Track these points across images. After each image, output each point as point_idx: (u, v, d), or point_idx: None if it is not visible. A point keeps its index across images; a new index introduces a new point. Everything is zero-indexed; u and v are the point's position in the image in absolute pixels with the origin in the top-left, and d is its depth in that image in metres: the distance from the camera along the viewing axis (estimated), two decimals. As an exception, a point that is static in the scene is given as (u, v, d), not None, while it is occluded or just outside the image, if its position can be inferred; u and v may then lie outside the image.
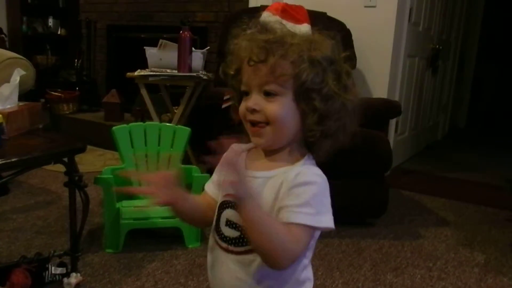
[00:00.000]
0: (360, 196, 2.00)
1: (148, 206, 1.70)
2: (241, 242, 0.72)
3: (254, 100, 0.70)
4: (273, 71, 0.68)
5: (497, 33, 4.99)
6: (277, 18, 2.19)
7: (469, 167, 3.35)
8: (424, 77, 3.38)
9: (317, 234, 0.74)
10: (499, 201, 2.52)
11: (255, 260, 0.71)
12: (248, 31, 0.73)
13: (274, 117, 0.69)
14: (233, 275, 0.74)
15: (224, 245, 0.75)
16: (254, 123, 0.71)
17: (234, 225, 0.73)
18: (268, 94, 0.69)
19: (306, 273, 0.76)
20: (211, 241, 0.79)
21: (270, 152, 0.74)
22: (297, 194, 0.67)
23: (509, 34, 4.90)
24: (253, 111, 0.70)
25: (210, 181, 0.84)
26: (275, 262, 0.67)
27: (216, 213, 0.78)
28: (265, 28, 0.72)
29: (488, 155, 3.84)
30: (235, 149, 0.79)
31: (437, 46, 3.47)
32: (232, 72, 0.74)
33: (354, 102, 0.72)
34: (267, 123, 0.70)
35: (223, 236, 0.75)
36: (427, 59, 3.37)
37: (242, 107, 0.72)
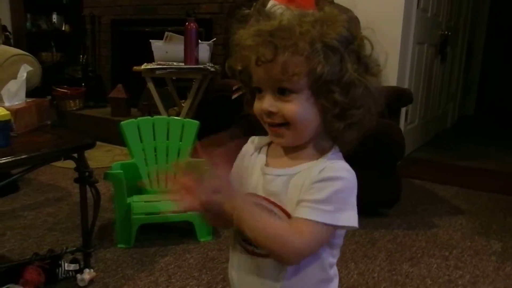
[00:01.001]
0: (372, 186, 1.97)
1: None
2: None
3: (269, 102, 0.65)
4: (285, 69, 0.62)
5: (504, 21, 4.91)
6: (283, 7, 2.16)
7: (479, 155, 3.30)
8: (433, 65, 3.33)
9: (342, 232, 0.71)
10: (513, 189, 2.48)
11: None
12: (251, 20, 0.67)
13: (292, 117, 0.64)
14: (261, 279, 0.70)
15: (249, 247, 0.71)
16: (273, 124, 0.67)
17: None
18: (283, 93, 0.64)
19: (333, 271, 0.73)
20: (234, 241, 0.75)
21: (292, 148, 0.70)
22: (318, 188, 0.63)
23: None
24: (269, 113, 0.65)
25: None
26: (279, 258, 0.65)
27: None
28: (268, 15, 0.66)
29: (498, 143, 3.79)
30: (254, 142, 0.75)
31: (446, 32, 3.41)
32: (239, 68, 0.69)
33: (377, 81, 0.66)
34: (286, 123, 0.65)
35: (246, 237, 0.70)
36: (436, 46, 3.31)
37: (257, 107, 0.67)
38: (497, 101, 5.16)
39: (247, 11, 0.69)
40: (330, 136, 0.68)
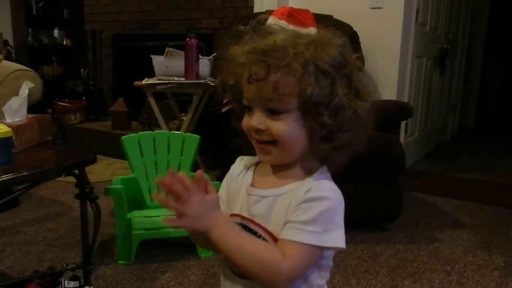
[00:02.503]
0: (373, 200, 1.97)
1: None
2: None
3: (258, 119, 0.65)
4: (276, 89, 0.62)
5: (503, 31, 4.95)
6: (283, 22, 2.18)
7: (481, 167, 3.30)
8: (432, 77, 3.35)
9: (330, 253, 0.69)
10: (515, 201, 2.47)
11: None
12: (246, 38, 0.67)
13: (280, 136, 0.64)
14: None
15: (235, 269, 0.70)
16: (260, 141, 0.67)
17: None
18: (272, 112, 0.64)
19: None
20: (224, 265, 0.75)
21: (280, 168, 0.69)
22: (305, 209, 0.63)
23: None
24: (258, 130, 0.65)
25: (220, 202, 0.77)
26: (266, 283, 0.63)
27: None
28: (263, 32, 0.66)
29: (499, 154, 3.78)
30: (242, 162, 0.75)
31: (445, 46, 3.44)
32: (231, 83, 0.69)
33: (366, 106, 0.66)
34: (274, 141, 0.65)
35: None
36: (435, 59, 3.33)
37: (246, 123, 0.67)
38: (497, 111, 5.17)
39: (242, 27, 0.69)
40: (318, 156, 0.68)
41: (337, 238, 0.64)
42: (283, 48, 0.62)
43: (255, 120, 0.65)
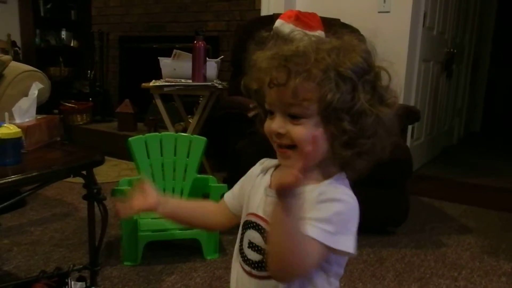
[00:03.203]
0: (380, 204, 1.96)
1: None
2: (264, 266, 0.69)
3: (279, 123, 0.66)
4: (295, 94, 0.62)
5: (511, 36, 4.92)
6: (291, 26, 2.18)
7: (487, 172, 3.28)
8: (439, 82, 3.34)
9: (341, 260, 0.69)
10: (522, 207, 2.45)
11: (277, 286, 0.68)
12: (269, 44, 0.68)
13: (300, 141, 0.64)
14: None
15: (247, 268, 0.71)
16: (281, 145, 0.67)
17: (256, 248, 0.70)
18: (293, 117, 0.64)
19: None
20: (234, 259, 0.76)
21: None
22: (319, 208, 0.62)
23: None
24: (278, 134, 0.66)
25: (230, 191, 0.82)
26: (282, 270, 0.62)
27: (239, 232, 0.75)
28: (285, 39, 0.67)
29: (505, 159, 3.76)
30: (263, 164, 0.77)
31: (452, 50, 3.43)
32: (254, 87, 0.70)
33: (390, 112, 0.65)
34: (294, 145, 0.65)
35: (246, 258, 0.72)
36: (442, 63, 3.32)
37: (268, 127, 0.68)
38: (504, 115, 5.14)
39: (266, 33, 0.70)
40: (339, 163, 0.68)
41: (347, 242, 0.62)
42: (304, 54, 0.62)
43: (275, 124, 0.66)
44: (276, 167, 0.75)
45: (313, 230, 0.61)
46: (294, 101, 0.63)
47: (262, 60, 0.66)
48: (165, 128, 2.51)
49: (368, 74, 0.64)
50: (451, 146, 4.08)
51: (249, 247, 0.71)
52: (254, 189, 0.74)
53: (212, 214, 0.83)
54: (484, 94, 5.01)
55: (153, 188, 0.76)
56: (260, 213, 0.71)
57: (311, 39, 0.66)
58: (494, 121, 5.04)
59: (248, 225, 0.72)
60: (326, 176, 0.68)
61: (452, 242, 1.98)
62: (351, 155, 0.65)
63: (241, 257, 0.73)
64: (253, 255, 0.70)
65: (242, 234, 0.73)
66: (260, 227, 0.70)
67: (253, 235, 0.71)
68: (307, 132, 0.64)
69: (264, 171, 0.76)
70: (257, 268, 0.70)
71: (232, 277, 0.76)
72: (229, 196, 0.81)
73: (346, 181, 0.69)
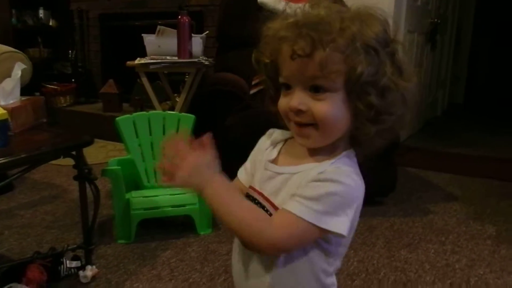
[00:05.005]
0: (369, 176, 1.97)
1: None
2: None
3: (299, 99, 0.60)
4: (322, 66, 0.57)
5: (492, 5, 4.94)
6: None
7: (471, 142, 3.35)
8: (423, 53, 3.35)
9: (343, 241, 0.66)
10: (505, 174, 2.52)
11: (274, 260, 0.67)
12: (280, 17, 0.63)
13: (323, 118, 0.60)
14: (255, 273, 0.69)
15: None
16: (300, 124, 0.62)
17: None
18: (316, 91, 0.59)
19: (330, 280, 0.70)
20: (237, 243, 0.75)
21: (308, 148, 0.66)
22: (312, 187, 0.60)
23: (504, 7, 4.85)
24: (298, 111, 0.61)
25: (243, 167, 0.77)
26: (248, 245, 0.63)
27: None
28: (305, 6, 0.61)
29: (488, 129, 3.84)
30: (272, 136, 0.73)
31: (436, 20, 3.44)
32: (267, 61, 0.65)
33: (411, 86, 0.61)
34: (315, 123, 0.61)
35: None
36: (426, 34, 3.33)
37: (284, 104, 0.63)
38: (486, 87, 5.21)
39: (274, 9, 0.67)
40: (356, 141, 0.64)
41: (339, 223, 0.60)
42: (328, 22, 0.58)
43: (295, 101, 0.61)
44: (285, 141, 0.71)
45: (295, 205, 0.60)
46: (320, 73, 0.58)
47: (280, 29, 0.61)
48: (151, 108, 2.48)
49: (388, 46, 0.60)
50: (435, 118, 4.13)
51: None
52: (260, 163, 0.72)
53: None
54: (467, 65, 5.06)
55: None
56: (258, 188, 0.70)
57: (331, 7, 0.60)
58: (477, 93, 5.11)
59: (247, 198, 0.70)
60: (331, 154, 0.65)
61: (439, 210, 2.03)
62: (374, 132, 0.61)
63: None
64: None
65: None
66: (256, 201, 0.68)
67: None
68: (331, 108, 0.59)
69: (274, 144, 0.72)
70: None
71: (234, 249, 0.76)
72: (242, 172, 0.76)
73: (354, 160, 0.66)
